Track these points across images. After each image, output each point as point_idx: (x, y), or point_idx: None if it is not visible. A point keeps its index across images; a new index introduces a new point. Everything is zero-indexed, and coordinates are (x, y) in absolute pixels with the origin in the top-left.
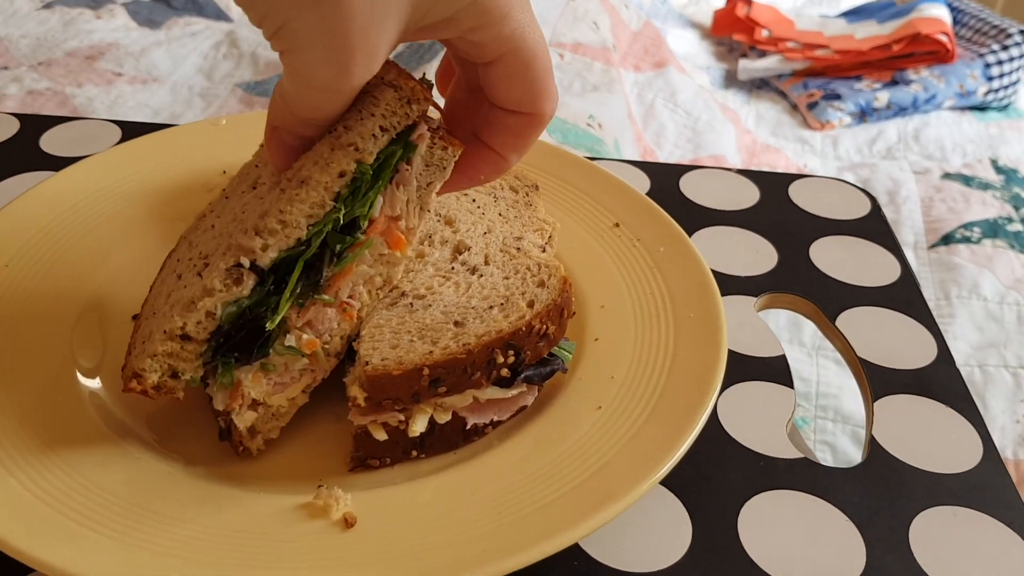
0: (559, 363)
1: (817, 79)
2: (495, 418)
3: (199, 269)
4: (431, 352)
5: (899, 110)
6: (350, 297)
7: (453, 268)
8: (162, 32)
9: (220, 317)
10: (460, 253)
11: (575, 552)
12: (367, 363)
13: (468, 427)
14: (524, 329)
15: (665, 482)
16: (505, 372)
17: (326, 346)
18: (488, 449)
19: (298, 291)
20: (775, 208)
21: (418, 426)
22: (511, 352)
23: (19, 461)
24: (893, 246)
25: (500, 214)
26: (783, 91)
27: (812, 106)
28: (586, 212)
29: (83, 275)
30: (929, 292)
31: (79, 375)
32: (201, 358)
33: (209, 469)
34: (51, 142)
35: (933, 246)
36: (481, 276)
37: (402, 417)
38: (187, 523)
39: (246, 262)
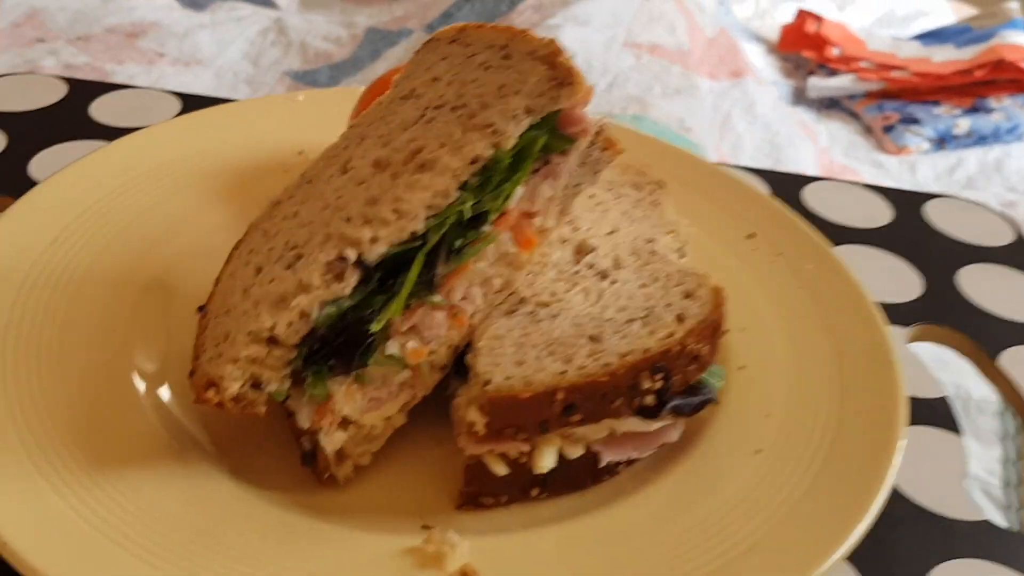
0: (710, 392)
1: (893, 101)
2: (633, 455)
3: (289, 262)
4: (564, 372)
5: (979, 139)
6: (463, 299)
7: (578, 272)
8: (206, 15)
9: (316, 319)
10: (584, 254)
11: None
12: (488, 382)
13: (601, 464)
14: (676, 349)
15: None
16: (650, 400)
17: (432, 357)
18: (621, 495)
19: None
20: (912, 228)
21: (546, 461)
22: (659, 376)
23: (67, 478)
24: None
25: (624, 213)
26: (855, 112)
27: (888, 129)
28: (715, 220)
29: (140, 257)
30: None
31: (137, 377)
32: (289, 366)
33: (288, 496)
34: (102, 110)
35: None
36: (614, 282)
37: (525, 448)
38: (266, 562)
39: (351, 255)
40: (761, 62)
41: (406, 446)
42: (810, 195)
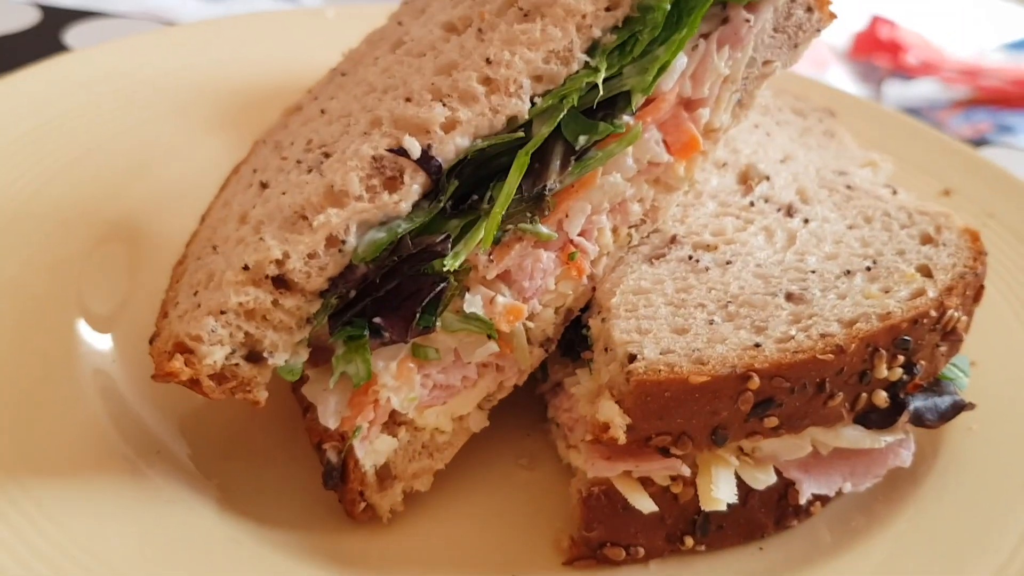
0: (957, 393)
1: (981, 110)
2: (847, 486)
3: (313, 164)
4: (758, 346)
5: None
6: (582, 235)
7: (753, 205)
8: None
9: (354, 248)
10: (753, 183)
11: None
12: (633, 358)
13: (801, 500)
14: (933, 314)
15: None
16: (882, 399)
17: (531, 323)
18: (823, 552)
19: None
20: None
21: (723, 490)
22: (900, 356)
23: None
24: None
25: (792, 140)
26: (939, 121)
27: (980, 141)
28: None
29: (107, 191)
30: None
31: (84, 337)
32: (309, 326)
33: (302, 537)
34: (78, 39)
35: None
36: (807, 221)
37: (686, 470)
38: None
39: (414, 148)
40: (832, 69)
41: (480, 467)
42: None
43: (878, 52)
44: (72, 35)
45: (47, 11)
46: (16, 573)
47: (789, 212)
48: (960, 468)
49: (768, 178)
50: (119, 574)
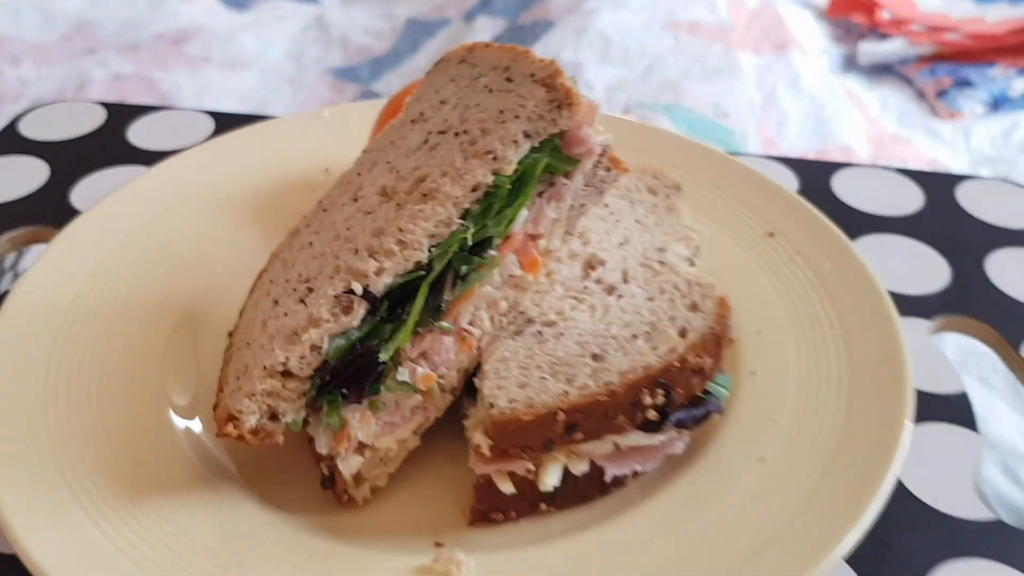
0: (715, 403)
1: (946, 64)
2: (638, 468)
3: (301, 295)
4: (566, 392)
5: None
6: (470, 324)
7: (586, 287)
8: (250, 15)
9: (327, 351)
10: (593, 269)
11: None
12: (492, 405)
13: (607, 479)
14: (676, 364)
15: None
16: (652, 415)
17: (441, 381)
18: (629, 507)
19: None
20: (942, 214)
21: (550, 478)
22: (660, 391)
23: (104, 510)
24: None
25: (638, 221)
26: (908, 77)
27: (942, 94)
28: (735, 219)
29: (173, 285)
30: None
31: (171, 410)
32: (304, 397)
33: (311, 519)
34: (139, 134)
35: None
36: (620, 297)
37: (531, 466)
38: None
39: (358, 288)
40: (811, 28)
41: (421, 466)
42: (839, 183)
43: (855, 10)
44: (133, 131)
45: (110, 109)
46: (146, 550)
47: (611, 291)
48: (719, 450)
49: (604, 263)
50: (207, 547)
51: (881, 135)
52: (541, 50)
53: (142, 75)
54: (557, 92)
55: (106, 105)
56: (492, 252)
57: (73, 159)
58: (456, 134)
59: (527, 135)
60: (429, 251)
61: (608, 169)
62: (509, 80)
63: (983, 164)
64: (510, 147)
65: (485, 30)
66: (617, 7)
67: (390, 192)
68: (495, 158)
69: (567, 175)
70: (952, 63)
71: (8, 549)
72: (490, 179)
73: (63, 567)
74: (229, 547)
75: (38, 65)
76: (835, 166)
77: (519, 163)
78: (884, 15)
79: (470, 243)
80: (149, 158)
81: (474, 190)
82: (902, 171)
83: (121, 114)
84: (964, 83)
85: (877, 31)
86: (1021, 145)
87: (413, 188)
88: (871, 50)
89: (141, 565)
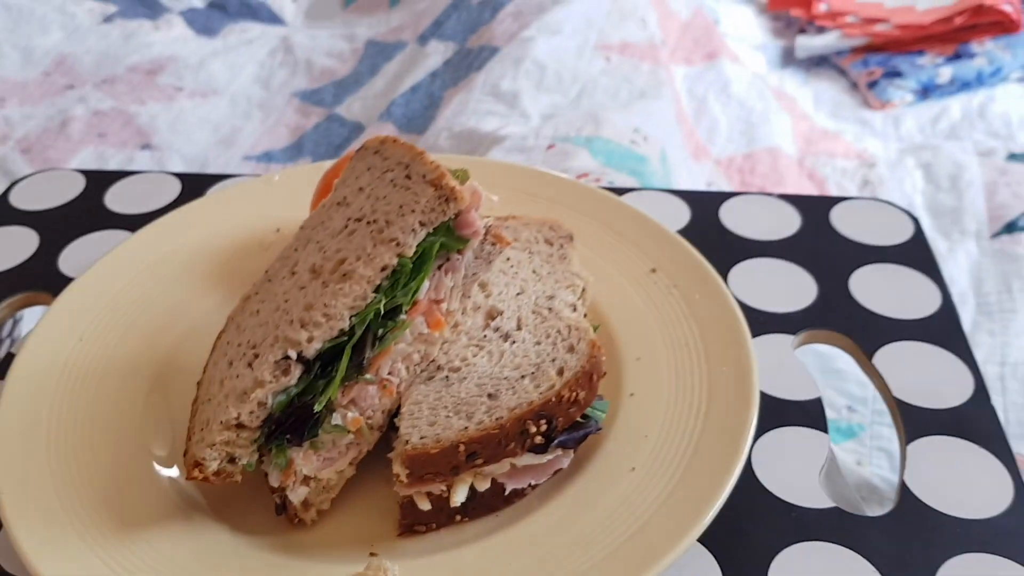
0: (592, 425)
1: (877, 55)
2: (533, 482)
3: (249, 360)
4: (466, 428)
5: (963, 85)
6: (390, 374)
7: (486, 336)
8: (219, 41)
9: (271, 406)
10: (493, 319)
11: None
12: (407, 442)
13: (507, 492)
14: (555, 399)
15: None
16: (539, 439)
17: (369, 421)
18: (528, 512)
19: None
20: (816, 235)
21: (459, 496)
22: (543, 421)
23: (100, 540)
24: (934, 273)
25: (534, 271)
26: (843, 68)
27: (872, 85)
28: (624, 257)
29: (150, 346)
30: (991, 285)
31: (153, 461)
32: (255, 443)
33: (269, 539)
34: (115, 199)
35: (996, 235)
36: (513, 343)
37: (444, 487)
38: None
39: (293, 354)
40: (751, 24)
41: (358, 491)
42: (726, 211)
43: (794, 4)
44: (110, 197)
45: (88, 176)
46: (135, 572)
47: (505, 338)
48: (599, 462)
49: (502, 312)
50: (186, 567)
51: (810, 131)
52: (483, 80)
53: (120, 109)
54: (443, 190)
55: (84, 172)
56: (402, 316)
57: (58, 226)
58: (368, 223)
59: (422, 224)
60: (350, 320)
61: (494, 244)
62: (408, 178)
63: (911, 152)
64: (409, 235)
65: (437, 54)
66: (552, 33)
67: (318, 270)
68: (398, 244)
69: (460, 252)
70: (883, 53)
71: (26, 574)
72: (395, 261)
73: None
74: (204, 565)
75: (21, 104)
76: (724, 196)
77: (419, 245)
78: (821, 8)
79: (383, 311)
80: (125, 221)
81: (383, 270)
82: (783, 196)
83: (99, 181)
84: (894, 73)
85: (815, 24)
86: (948, 131)
87: (335, 268)
88: (807, 44)
89: None
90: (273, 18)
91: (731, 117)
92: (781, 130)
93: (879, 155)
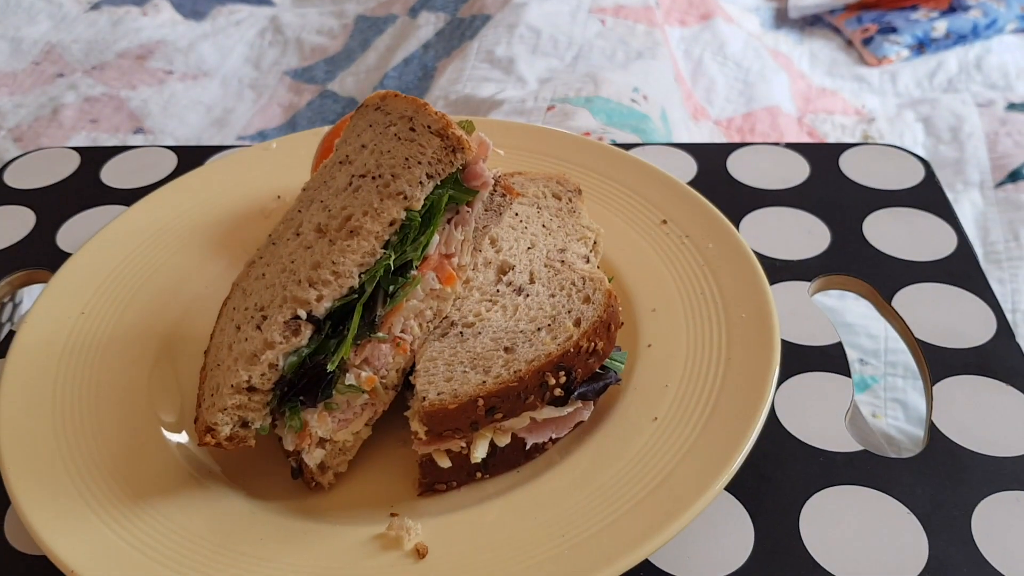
0: (612, 376)
1: (871, 12)
2: (553, 435)
3: (258, 322)
4: (484, 382)
5: (959, 38)
6: (402, 332)
7: (499, 291)
8: (207, 23)
9: (283, 367)
10: (505, 273)
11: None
12: (424, 398)
13: (528, 447)
14: (572, 350)
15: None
16: (559, 392)
17: (383, 380)
18: (550, 466)
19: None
20: (826, 182)
21: (479, 452)
22: (562, 373)
23: (111, 511)
24: (948, 215)
25: (544, 225)
26: (837, 26)
27: (867, 41)
28: (633, 210)
29: (154, 315)
30: (997, 234)
31: (162, 428)
32: (268, 406)
33: (286, 504)
34: (111, 174)
35: (1000, 184)
36: (527, 296)
37: (464, 444)
38: (267, 562)
39: (303, 314)
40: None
41: (375, 451)
42: (733, 162)
43: None
44: (106, 172)
45: (83, 153)
46: (150, 543)
47: (519, 291)
48: (619, 414)
49: (513, 267)
50: (201, 535)
51: (808, 90)
52: (477, 48)
53: (111, 95)
54: (449, 140)
55: (79, 150)
56: (413, 272)
57: (56, 204)
58: (373, 178)
59: (429, 176)
60: (359, 277)
61: (504, 195)
62: (412, 130)
63: (909, 107)
64: (416, 188)
65: (428, 24)
66: None
67: (324, 229)
68: (405, 197)
69: (469, 204)
70: (877, 10)
71: (36, 551)
72: (403, 215)
73: (84, 562)
74: (219, 533)
75: (12, 94)
76: (730, 147)
77: (426, 198)
78: None
79: (393, 267)
80: (122, 196)
81: (391, 225)
82: (789, 145)
83: (94, 157)
84: (889, 29)
85: None
86: (945, 84)
87: (342, 226)
88: (800, 3)
89: (147, 555)
90: None
91: (728, 77)
92: (779, 89)
93: (878, 111)
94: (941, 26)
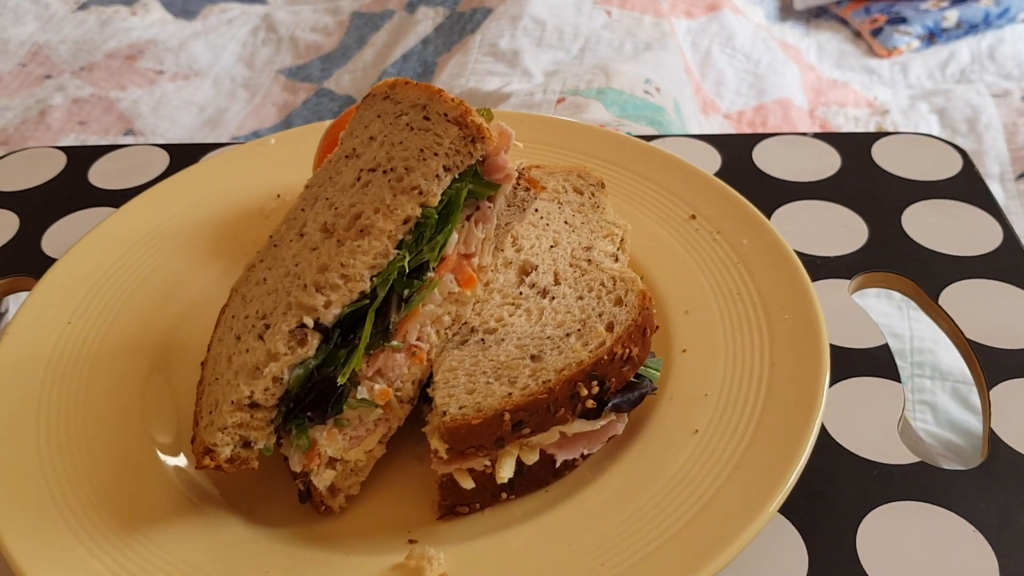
0: (648, 385)
1: (879, 2)
2: (585, 451)
3: (259, 332)
4: (510, 394)
5: (970, 28)
6: (419, 339)
7: (521, 293)
8: (198, 22)
9: (288, 381)
10: (527, 274)
11: None
12: (444, 413)
13: (558, 464)
14: (606, 357)
15: None
16: (591, 403)
17: (398, 393)
18: (581, 486)
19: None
20: (859, 174)
21: (505, 471)
22: (595, 383)
23: (101, 543)
24: (992, 207)
25: (566, 222)
26: (844, 18)
27: (876, 32)
28: (659, 204)
29: (146, 324)
30: (1020, 227)
31: (157, 450)
32: (272, 424)
33: (293, 531)
34: (99, 174)
35: (1021, 176)
36: (553, 299)
37: (488, 462)
38: None
39: (309, 322)
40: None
41: (390, 471)
42: (759, 154)
43: None
44: (94, 173)
45: (70, 152)
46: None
47: (543, 294)
48: (656, 426)
49: (536, 267)
50: (201, 568)
51: (818, 82)
52: (480, 41)
53: (100, 96)
54: (468, 128)
55: (65, 149)
56: (430, 274)
57: (40, 207)
58: (384, 172)
59: (447, 169)
60: (371, 281)
61: (527, 189)
62: (427, 119)
63: (922, 99)
64: (433, 182)
65: (427, 19)
66: None
67: (331, 228)
68: (420, 192)
69: (490, 199)
70: (885, 1)
71: None
72: (418, 212)
73: None
74: (220, 564)
75: None
76: (755, 138)
77: (444, 193)
78: None
79: (408, 269)
80: (111, 198)
81: (405, 223)
82: (818, 135)
83: (81, 156)
84: (898, 19)
85: None
86: (958, 75)
87: (351, 225)
88: None
89: None
90: None
91: (738, 70)
92: (790, 81)
93: (890, 102)
94: (952, 16)
